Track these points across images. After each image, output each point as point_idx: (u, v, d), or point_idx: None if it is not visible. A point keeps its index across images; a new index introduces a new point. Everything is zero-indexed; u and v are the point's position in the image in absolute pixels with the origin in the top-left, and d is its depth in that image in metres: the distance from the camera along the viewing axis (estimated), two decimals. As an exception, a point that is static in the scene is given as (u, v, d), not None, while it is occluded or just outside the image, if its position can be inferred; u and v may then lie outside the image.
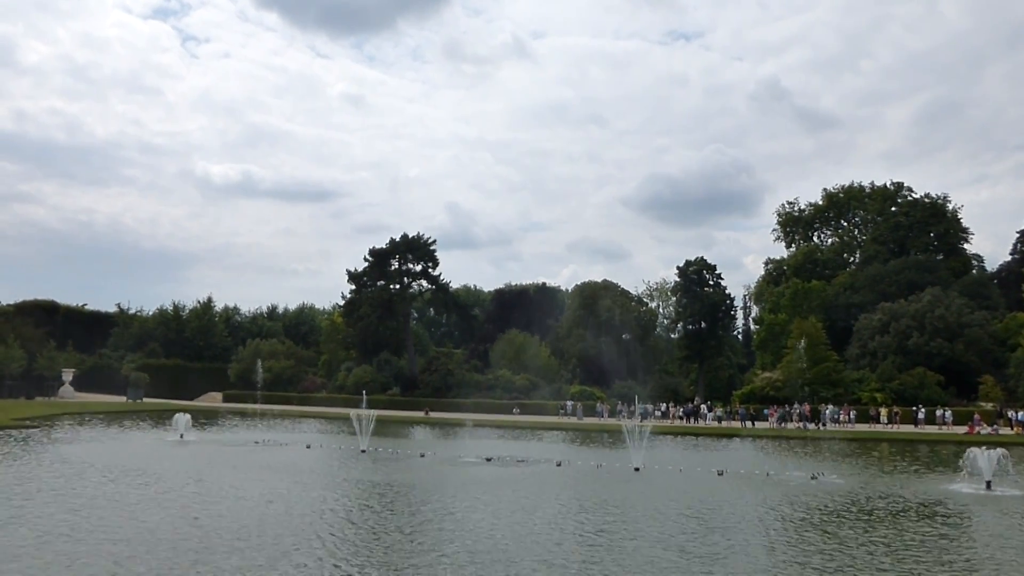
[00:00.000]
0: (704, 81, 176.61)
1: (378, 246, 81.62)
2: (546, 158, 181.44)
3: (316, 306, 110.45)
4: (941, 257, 78.83)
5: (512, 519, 16.12)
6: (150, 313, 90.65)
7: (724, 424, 54.18)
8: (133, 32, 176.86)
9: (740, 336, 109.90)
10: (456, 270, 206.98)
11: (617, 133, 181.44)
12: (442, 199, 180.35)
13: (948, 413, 50.42)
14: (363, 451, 30.41)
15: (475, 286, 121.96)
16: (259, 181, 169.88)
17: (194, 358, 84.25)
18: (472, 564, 12.08)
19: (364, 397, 52.29)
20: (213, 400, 73.77)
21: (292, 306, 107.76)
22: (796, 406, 52.99)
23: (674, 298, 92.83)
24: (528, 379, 72.40)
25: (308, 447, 31.91)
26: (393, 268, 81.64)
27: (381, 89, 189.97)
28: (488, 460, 27.98)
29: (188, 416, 35.52)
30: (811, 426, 49.66)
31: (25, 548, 12.44)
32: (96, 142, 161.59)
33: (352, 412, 36.35)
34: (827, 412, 51.37)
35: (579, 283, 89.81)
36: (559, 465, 26.98)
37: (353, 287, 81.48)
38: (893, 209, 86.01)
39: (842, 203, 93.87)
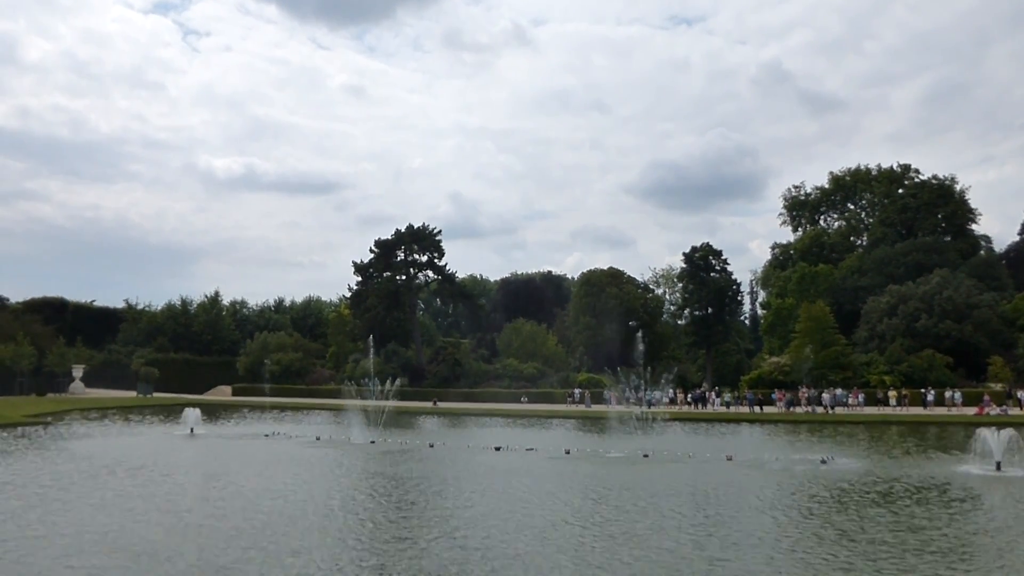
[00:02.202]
0: (707, 66, 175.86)
1: (382, 237, 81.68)
2: (549, 146, 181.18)
3: (323, 298, 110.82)
4: (949, 239, 78.36)
5: (522, 507, 16.16)
6: (158, 308, 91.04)
7: (732, 409, 54.13)
8: (134, 27, 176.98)
9: (747, 321, 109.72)
10: (461, 260, 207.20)
11: (620, 120, 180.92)
12: (445, 189, 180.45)
13: (957, 395, 50.22)
14: (372, 442, 30.55)
15: (481, 275, 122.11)
16: (262, 174, 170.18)
17: (203, 352, 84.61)
18: (487, 554, 12.12)
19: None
20: (222, 394, 74.12)
21: (299, 299, 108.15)
22: (805, 390, 52.89)
23: (680, 284, 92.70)
24: (536, 367, 72.52)
25: (318, 439, 32.06)
26: (399, 259, 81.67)
27: (383, 80, 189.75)
28: (497, 449, 28.06)
29: (198, 411, 35.74)
30: (820, 410, 49.57)
31: (29, 548, 12.54)
32: (100, 138, 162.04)
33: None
34: (826, 397, 50.76)
35: (585, 271, 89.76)
36: (568, 452, 27.05)
37: (359, 279, 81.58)
38: (900, 191, 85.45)
39: (849, 186, 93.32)
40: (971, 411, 46.45)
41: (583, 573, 11.09)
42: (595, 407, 56.56)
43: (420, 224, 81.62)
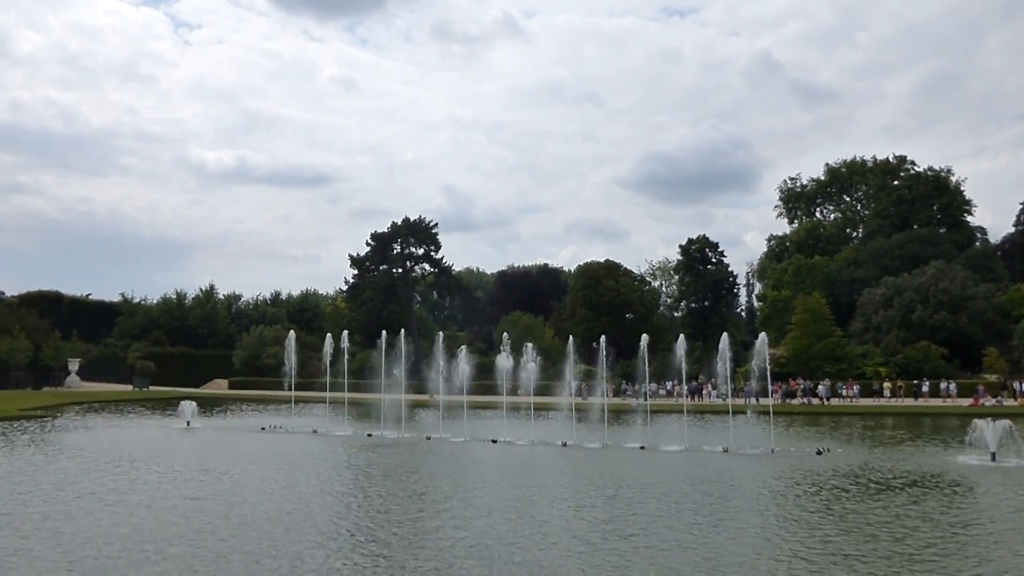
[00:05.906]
0: (699, 57, 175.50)
1: (376, 230, 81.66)
2: (542, 138, 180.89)
3: (319, 291, 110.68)
4: (944, 230, 78.56)
5: (520, 500, 16.18)
6: (154, 302, 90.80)
7: (728, 401, 54.20)
8: (125, 19, 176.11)
9: (743, 313, 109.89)
10: (455, 253, 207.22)
11: (613, 112, 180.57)
12: (439, 182, 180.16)
13: (952, 386, 50.43)
14: (369, 435, 30.57)
15: (477, 268, 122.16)
16: (254, 167, 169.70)
17: (199, 346, 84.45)
18: (489, 547, 12.13)
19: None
20: (219, 387, 74.04)
21: (295, 292, 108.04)
22: (802, 382, 53.01)
23: (677, 276, 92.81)
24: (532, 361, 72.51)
25: (315, 432, 32.05)
26: (395, 252, 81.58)
27: (375, 72, 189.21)
28: (494, 441, 28.09)
29: (194, 403, 35.69)
30: (815, 401, 49.74)
31: (26, 538, 12.51)
32: (92, 131, 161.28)
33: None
34: (822, 388, 50.83)
35: (582, 263, 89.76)
36: (564, 445, 27.08)
37: (356, 272, 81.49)
38: (895, 183, 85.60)
39: (844, 178, 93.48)
40: (966, 402, 46.64)
41: (584, 568, 11.12)
42: (591, 399, 56.65)
43: (416, 217, 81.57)
